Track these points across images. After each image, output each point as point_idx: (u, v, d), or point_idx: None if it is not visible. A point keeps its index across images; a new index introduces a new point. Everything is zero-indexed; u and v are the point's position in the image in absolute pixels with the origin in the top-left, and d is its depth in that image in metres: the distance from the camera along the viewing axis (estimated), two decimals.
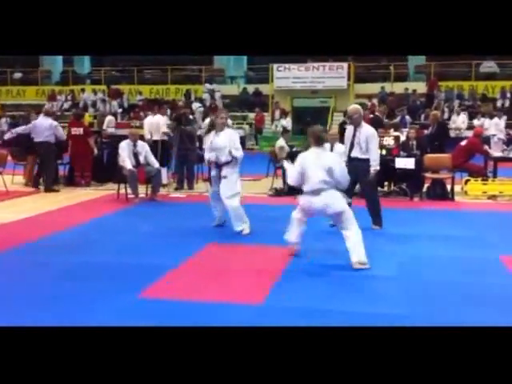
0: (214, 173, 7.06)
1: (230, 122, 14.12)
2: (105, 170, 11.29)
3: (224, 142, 6.85)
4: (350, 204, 6.21)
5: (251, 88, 22.97)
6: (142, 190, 9.51)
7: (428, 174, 9.53)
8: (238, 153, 6.89)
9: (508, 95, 20.04)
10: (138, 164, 9.22)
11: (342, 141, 8.00)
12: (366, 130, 7.10)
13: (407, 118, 17.93)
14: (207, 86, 22.99)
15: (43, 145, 10.30)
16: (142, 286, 5.03)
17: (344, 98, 20.73)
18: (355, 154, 7.07)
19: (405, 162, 9.31)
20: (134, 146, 9.31)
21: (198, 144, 10.97)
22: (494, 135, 12.31)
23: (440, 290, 4.97)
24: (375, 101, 18.86)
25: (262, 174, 11.69)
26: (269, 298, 4.79)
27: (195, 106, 20.77)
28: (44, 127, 10.31)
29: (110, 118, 19.64)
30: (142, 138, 10.10)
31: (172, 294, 4.92)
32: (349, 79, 21.21)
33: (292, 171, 5.88)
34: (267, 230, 7.15)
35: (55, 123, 10.56)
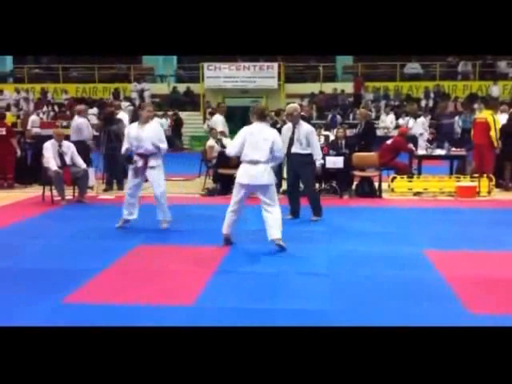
0: (139, 164, 7.00)
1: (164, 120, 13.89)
2: (29, 171, 10.84)
3: (149, 134, 6.92)
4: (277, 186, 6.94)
5: (182, 87, 22.73)
6: (69, 191, 9.19)
7: (356, 172, 9.75)
8: (164, 145, 7.03)
9: (431, 95, 20.86)
10: (63, 165, 8.89)
11: None
12: (306, 127, 7.49)
13: (338, 117, 18.30)
14: (135, 85, 22.55)
15: None
16: (66, 290, 4.85)
17: (275, 98, 20.90)
18: (295, 150, 7.40)
19: (334, 161, 9.47)
20: (60, 146, 8.98)
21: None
22: (421, 134, 12.75)
23: (367, 285, 5.07)
24: (305, 102, 19.12)
25: (194, 174, 11.58)
26: (200, 298, 4.74)
27: (124, 105, 20.30)
28: None
29: (33, 117, 18.92)
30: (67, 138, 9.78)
31: (97, 297, 4.77)
32: (279, 79, 21.41)
33: (234, 141, 6.31)
34: (198, 230, 7.09)
35: None
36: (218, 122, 12.22)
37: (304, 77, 22.89)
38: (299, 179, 7.60)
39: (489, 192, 9.60)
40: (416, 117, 14.13)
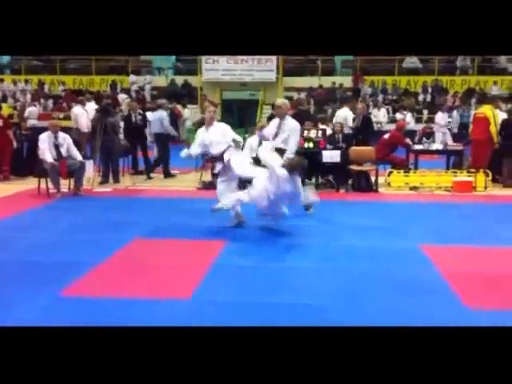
0: (219, 167, 6.89)
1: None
2: (25, 163, 10.81)
3: (217, 137, 6.81)
4: None
5: (180, 80, 22.67)
6: (65, 184, 9.16)
7: (353, 167, 9.74)
8: (235, 138, 6.84)
9: (429, 90, 20.84)
10: (59, 157, 8.86)
11: None
12: (291, 122, 7.41)
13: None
14: (132, 77, 22.47)
15: None
16: (63, 283, 4.84)
17: (273, 91, 20.87)
18: (278, 144, 7.34)
19: (331, 155, 9.47)
20: (55, 137, 8.95)
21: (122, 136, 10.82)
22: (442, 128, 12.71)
23: (364, 279, 5.07)
24: (303, 95, 19.07)
25: (190, 168, 11.56)
26: (197, 292, 4.73)
27: (122, 97, 20.26)
28: None
29: (31, 109, 18.85)
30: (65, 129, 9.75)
31: (95, 290, 4.76)
32: (278, 72, 21.36)
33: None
34: (195, 223, 7.07)
35: None
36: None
37: (302, 70, 22.84)
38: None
39: (485, 187, 9.60)
40: (413, 111, 14.10)
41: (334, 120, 12.00)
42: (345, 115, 12.11)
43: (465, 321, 4.11)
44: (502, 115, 10.66)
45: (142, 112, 11.66)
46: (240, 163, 6.74)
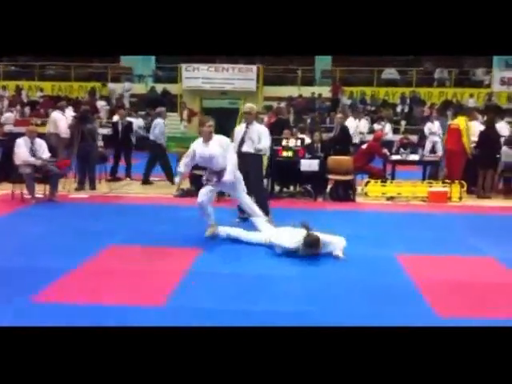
0: (213, 181, 6.63)
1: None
2: (0, 169, 10.64)
3: (216, 151, 6.53)
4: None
5: (159, 87, 22.60)
6: (41, 190, 9.05)
7: (331, 176, 9.79)
8: (232, 154, 6.66)
9: (407, 101, 21.08)
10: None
11: None
12: (258, 126, 7.60)
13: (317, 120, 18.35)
14: (110, 86, 22.33)
15: None
16: (34, 290, 4.76)
17: (253, 101, 20.82)
18: (246, 148, 7.42)
19: (309, 164, 9.51)
20: (32, 143, 8.84)
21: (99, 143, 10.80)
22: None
23: (340, 287, 5.10)
24: (283, 104, 19.16)
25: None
26: (171, 299, 4.70)
27: (100, 104, 20.14)
28: None
29: (7, 114, 18.65)
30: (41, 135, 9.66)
31: (68, 297, 4.70)
32: (258, 82, 21.43)
33: None
34: (171, 230, 7.03)
35: None
36: None
37: (282, 80, 22.93)
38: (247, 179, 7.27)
39: (460, 198, 9.72)
40: (391, 122, 14.25)
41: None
42: (351, 125, 12.39)
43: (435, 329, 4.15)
44: (479, 127, 10.82)
45: (128, 119, 11.80)
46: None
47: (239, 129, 7.65)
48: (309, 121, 17.76)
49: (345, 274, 5.49)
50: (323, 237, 5.99)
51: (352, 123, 14.29)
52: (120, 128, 11.66)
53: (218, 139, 6.65)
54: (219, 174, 6.57)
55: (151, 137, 11.27)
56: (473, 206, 9.42)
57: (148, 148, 11.53)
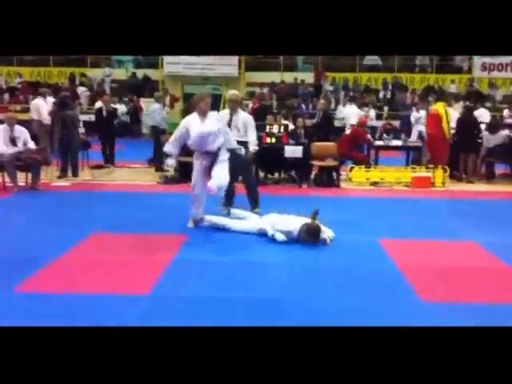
0: (205, 162, 6.28)
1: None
2: None
3: (215, 126, 6.20)
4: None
5: (140, 73, 22.34)
6: (23, 178, 8.93)
7: (315, 162, 9.80)
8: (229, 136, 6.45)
9: (389, 87, 21.13)
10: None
11: None
12: (244, 115, 7.42)
13: (303, 106, 18.32)
14: (90, 73, 22.02)
15: None
16: (19, 279, 4.72)
17: (235, 86, 20.74)
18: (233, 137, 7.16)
19: (293, 150, 9.51)
20: (11, 130, 8.70)
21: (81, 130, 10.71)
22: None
23: (324, 274, 5.12)
24: (266, 90, 19.09)
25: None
26: (157, 287, 4.69)
27: (81, 90, 19.87)
28: None
29: None
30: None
31: (52, 286, 4.65)
32: (240, 67, 21.30)
33: None
34: (155, 218, 6.99)
35: None
36: None
37: (265, 66, 22.83)
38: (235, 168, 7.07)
39: (443, 183, 9.81)
40: (375, 107, 14.27)
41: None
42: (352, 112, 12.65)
43: (418, 313, 4.23)
44: (454, 113, 10.89)
45: (113, 105, 11.74)
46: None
47: (223, 116, 7.28)
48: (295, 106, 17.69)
49: (329, 260, 5.52)
50: (322, 227, 6.00)
51: (351, 110, 14.21)
52: (105, 114, 11.55)
53: (214, 115, 6.40)
54: (214, 155, 6.26)
55: (150, 123, 11.44)
56: (456, 191, 9.51)
57: (152, 135, 11.62)
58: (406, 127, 13.08)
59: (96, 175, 10.38)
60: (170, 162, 6.68)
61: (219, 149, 6.28)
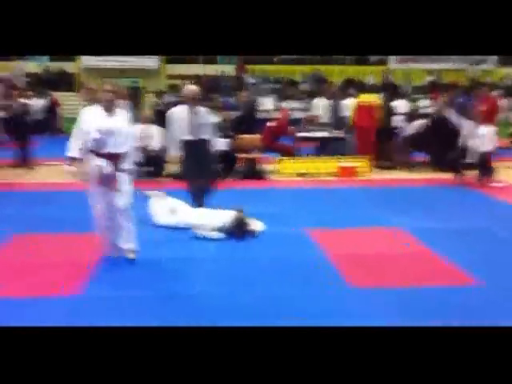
0: (106, 169, 4.96)
1: None
2: None
3: (124, 123, 5.06)
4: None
5: (55, 66, 21.46)
6: None
7: (240, 155, 9.79)
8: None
9: (310, 79, 21.51)
10: None
11: (161, 125, 8.22)
12: (204, 111, 6.71)
13: (231, 99, 18.23)
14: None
15: None
16: None
17: (155, 79, 20.45)
18: (194, 136, 6.62)
19: (219, 144, 9.43)
20: None
21: None
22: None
23: (253, 266, 5.18)
24: (189, 83, 18.84)
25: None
26: (89, 287, 4.59)
27: None
28: None
29: None
30: None
31: None
32: (160, 60, 20.95)
33: None
34: (79, 217, 6.69)
35: None
36: None
37: (184, 58, 22.56)
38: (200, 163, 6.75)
39: (368, 172, 10.10)
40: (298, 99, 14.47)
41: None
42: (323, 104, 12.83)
43: (349, 299, 4.40)
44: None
45: (26, 101, 11.11)
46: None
47: (180, 114, 6.59)
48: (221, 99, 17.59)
49: (258, 251, 5.57)
50: (248, 219, 6.03)
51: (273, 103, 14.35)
52: (13, 111, 10.88)
53: (123, 112, 5.20)
54: (117, 158, 5.00)
55: None
56: (380, 180, 9.81)
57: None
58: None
59: (13, 174, 9.87)
60: (72, 169, 5.11)
61: (126, 154, 5.10)
